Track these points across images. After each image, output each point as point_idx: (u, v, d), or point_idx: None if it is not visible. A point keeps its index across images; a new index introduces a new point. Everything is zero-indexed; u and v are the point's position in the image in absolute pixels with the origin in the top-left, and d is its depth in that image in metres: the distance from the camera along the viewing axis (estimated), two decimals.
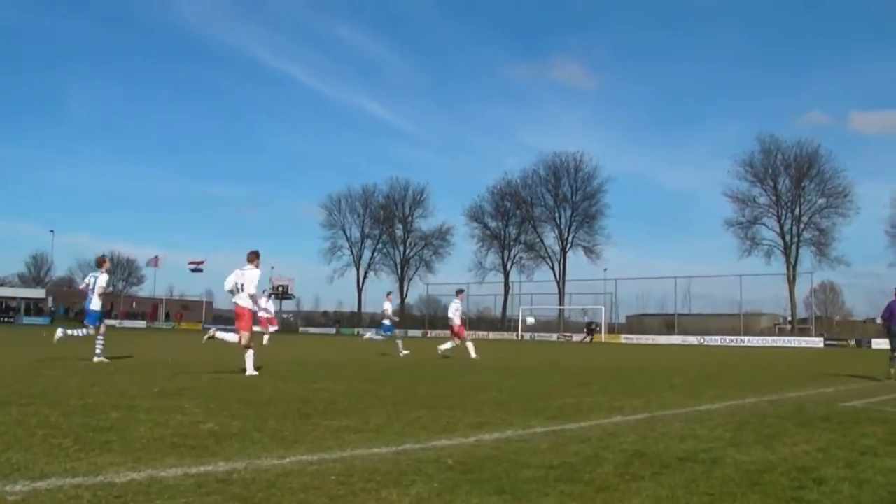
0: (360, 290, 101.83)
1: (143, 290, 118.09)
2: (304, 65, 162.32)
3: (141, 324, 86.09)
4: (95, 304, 16.89)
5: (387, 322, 27.77)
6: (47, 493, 4.49)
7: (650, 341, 65.06)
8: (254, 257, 14.62)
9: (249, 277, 14.41)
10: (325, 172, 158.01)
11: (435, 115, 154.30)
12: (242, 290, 14.33)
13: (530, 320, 73.23)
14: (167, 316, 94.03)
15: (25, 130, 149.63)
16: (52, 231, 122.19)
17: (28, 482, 4.73)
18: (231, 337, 14.61)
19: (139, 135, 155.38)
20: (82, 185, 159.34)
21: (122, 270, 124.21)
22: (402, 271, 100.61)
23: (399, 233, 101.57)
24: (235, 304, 14.47)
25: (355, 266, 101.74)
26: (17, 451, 5.73)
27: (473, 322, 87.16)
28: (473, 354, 23.11)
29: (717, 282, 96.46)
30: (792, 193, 77.34)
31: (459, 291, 26.10)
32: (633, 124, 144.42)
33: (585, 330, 71.33)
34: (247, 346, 14.21)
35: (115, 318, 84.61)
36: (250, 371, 13.90)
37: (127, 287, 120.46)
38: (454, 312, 24.87)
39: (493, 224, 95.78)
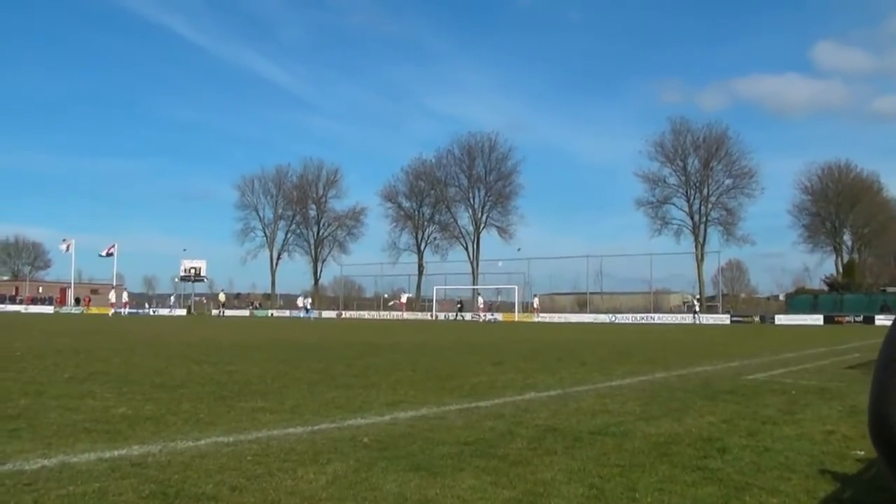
0: (273, 272, 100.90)
1: (50, 275, 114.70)
2: (185, 16, 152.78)
3: (49, 309, 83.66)
4: None
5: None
6: None
7: (563, 320, 66.01)
8: None
9: None
10: (227, 146, 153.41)
11: (333, 77, 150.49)
12: None
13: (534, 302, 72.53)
14: (77, 301, 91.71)
15: None
16: None
17: None
18: None
19: (5, 101, 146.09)
20: None
21: (28, 254, 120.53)
22: (315, 252, 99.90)
23: (313, 213, 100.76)
24: None
25: (268, 248, 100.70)
26: None
27: (387, 302, 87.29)
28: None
29: (628, 260, 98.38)
30: (700, 174, 79.00)
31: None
32: (547, 88, 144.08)
33: (457, 307, 72.28)
34: None
35: (21, 302, 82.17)
36: None
37: (33, 271, 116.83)
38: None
39: (407, 204, 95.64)
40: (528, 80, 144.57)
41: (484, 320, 65.51)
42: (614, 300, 78.18)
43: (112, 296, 69.24)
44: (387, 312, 77.95)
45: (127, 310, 66.62)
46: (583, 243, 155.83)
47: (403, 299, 76.92)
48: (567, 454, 5.59)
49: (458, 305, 72.98)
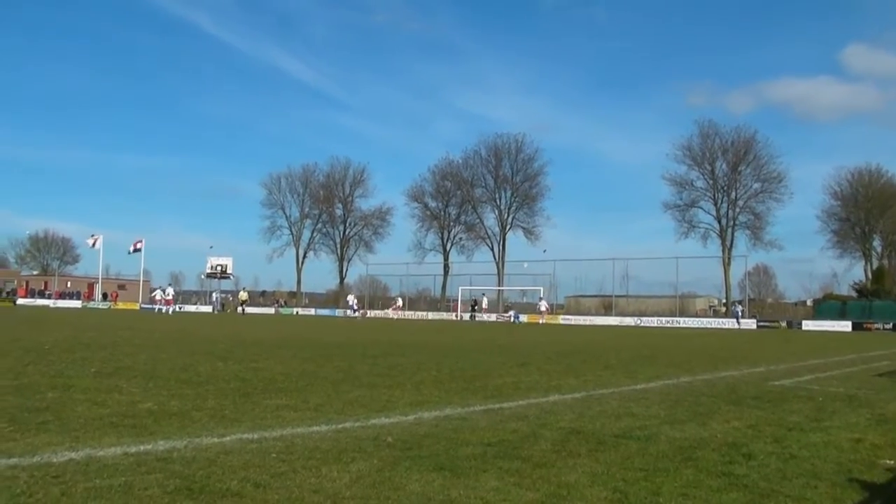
0: (298, 270, 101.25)
1: (78, 270, 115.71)
2: (211, 14, 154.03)
3: (77, 303, 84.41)
4: None
5: None
6: None
7: (588, 322, 65.76)
8: None
9: None
10: (255, 144, 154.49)
11: (361, 76, 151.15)
12: None
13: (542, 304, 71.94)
14: (104, 296, 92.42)
15: None
16: None
17: None
18: None
19: (39, 98, 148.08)
20: None
21: (57, 249, 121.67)
22: (341, 251, 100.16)
23: (339, 212, 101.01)
24: None
25: (295, 246, 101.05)
26: None
27: (413, 302, 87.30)
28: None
29: (654, 263, 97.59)
30: (728, 178, 78.47)
31: None
32: (576, 89, 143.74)
33: (471, 307, 71.97)
34: None
35: (49, 297, 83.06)
36: None
37: (62, 266, 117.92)
38: None
39: (433, 204, 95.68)
40: (555, 81, 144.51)
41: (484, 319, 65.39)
42: (640, 303, 77.88)
43: (166, 292, 69.04)
44: (412, 312, 77.96)
45: (172, 307, 66.60)
46: (609, 246, 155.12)
47: (399, 303, 76.75)
48: (591, 457, 5.56)
49: (473, 305, 72.84)
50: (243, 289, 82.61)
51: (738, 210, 78.29)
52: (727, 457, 5.71)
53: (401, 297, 79.89)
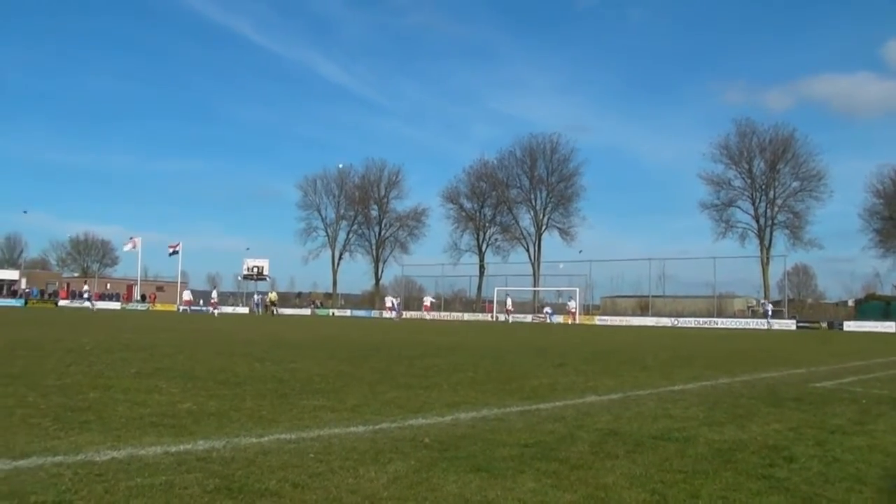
0: (334, 272, 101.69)
1: (117, 272, 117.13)
2: (249, 19, 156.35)
3: (116, 305, 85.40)
4: None
5: None
6: (28, 472, 4.53)
7: (624, 322, 65.41)
8: None
9: None
10: (291, 147, 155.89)
11: (396, 79, 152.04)
12: None
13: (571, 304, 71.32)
14: (143, 297, 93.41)
15: None
16: (25, 212, 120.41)
17: (9, 461, 4.77)
18: None
19: (80, 104, 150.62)
20: (32, 161, 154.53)
21: (97, 252, 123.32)
22: (377, 252, 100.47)
23: (375, 214, 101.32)
24: None
25: (330, 247, 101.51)
26: None
27: (448, 302, 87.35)
28: None
29: (692, 264, 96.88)
30: (767, 176, 77.58)
31: None
32: (611, 89, 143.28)
33: (506, 309, 71.72)
34: None
35: (89, 299, 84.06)
36: None
37: (101, 268, 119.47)
38: None
39: (468, 205, 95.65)
40: (590, 81, 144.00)
41: (509, 321, 65.16)
42: (677, 304, 77.26)
43: (214, 294, 70.41)
44: (447, 313, 78.00)
45: (217, 309, 67.61)
46: (645, 246, 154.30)
47: (428, 303, 76.69)
48: (628, 458, 5.53)
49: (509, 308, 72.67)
50: (272, 290, 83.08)
51: (776, 209, 77.38)
52: (767, 459, 5.65)
53: (431, 297, 79.79)
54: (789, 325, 59.83)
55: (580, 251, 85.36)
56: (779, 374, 13.71)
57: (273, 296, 76.96)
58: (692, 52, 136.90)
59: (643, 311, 75.56)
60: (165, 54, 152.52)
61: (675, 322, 63.36)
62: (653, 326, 58.57)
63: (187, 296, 71.02)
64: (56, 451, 5.10)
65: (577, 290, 70.71)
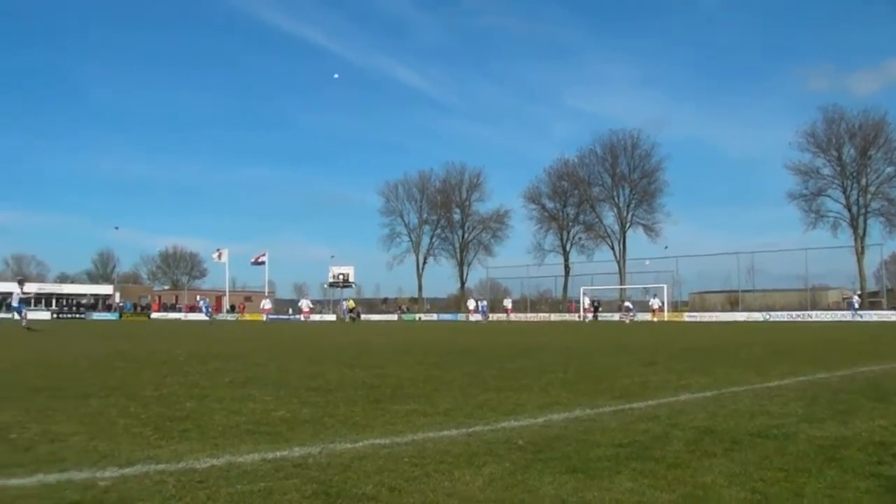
0: (419, 276, 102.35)
1: (206, 283, 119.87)
2: (323, 28, 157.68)
3: (206, 316, 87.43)
4: None
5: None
6: (134, 479, 4.65)
7: (714, 318, 64.28)
8: None
9: None
10: (371, 153, 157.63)
11: (472, 80, 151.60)
12: None
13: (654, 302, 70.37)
14: (232, 308, 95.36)
15: (46, 121, 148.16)
16: (116, 228, 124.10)
17: (116, 469, 4.91)
18: None
19: (161, 120, 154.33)
20: (120, 177, 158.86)
21: (185, 264, 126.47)
22: (461, 256, 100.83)
23: (457, 217, 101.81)
24: None
25: (414, 252, 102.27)
26: (103, 440, 5.93)
27: (534, 303, 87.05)
28: None
29: (781, 256, 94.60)
30: (857, 163, 75.48)
31: None
32: (689, 80, 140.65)
33: (591, 307, 70.74)
34: None
35: (180, 310, 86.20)
36: None
37: (190, 280, 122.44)
38: None
39: (550, 205, 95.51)
40: (668, 73, 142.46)
41: (587, 320, 64.54)
42: (767, 298, 75.77)
43: (304, 304, 72.33)
44: (534, 314, 77.73)
45: (308, 317, 69.15)
46: (732, 239, 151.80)
47: (471, 305, 76.44)
48: (726, 457, 5.42)
49: (595, 306, 71.99)
50: (350, 298, 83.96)
51: (869, 197, 75.23)
52: (875, 457, 5.46)
53: (512, 299, 79.63)
54: (888, 316, 57.95)
55: (666, 247, 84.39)
56: (880, 367, 13.28)
57: (350, 303, 77.85)
58: (771, 39, 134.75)
59: (733, 306, 74.26)
60: (242, 68, 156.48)
61: (767, 316, 62.03)
62: (743, 322, 57.42)
63: (267, 304, 72.41)
64: (159, 460, 5.22)
65: (665, 286, 69.80)
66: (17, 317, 36.53)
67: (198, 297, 69.66)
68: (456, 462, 5.22)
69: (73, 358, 15.71)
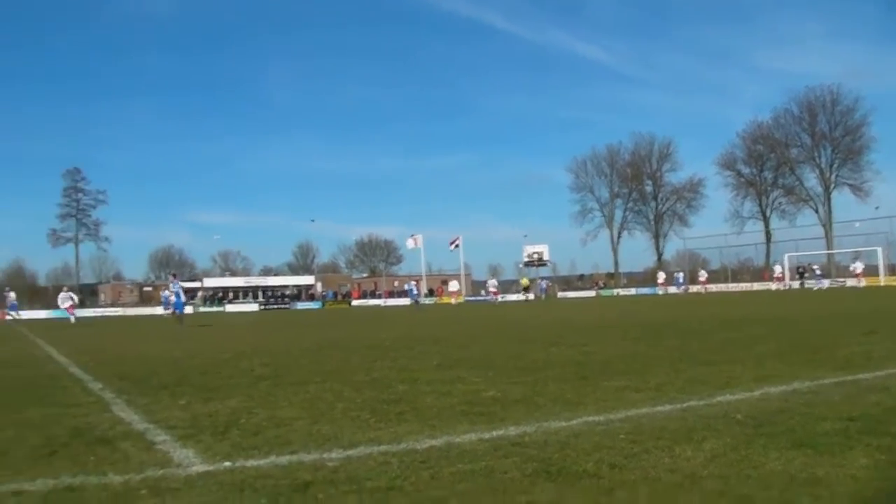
0: (614, 251, 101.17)
1: (402, 269, 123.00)
2: (498, 8, 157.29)
3: (405, 301, 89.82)
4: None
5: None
6: (359, 460, 4.83)
7: None
8: None
9: None
10: (556, 130, 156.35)
11: (653, 50, 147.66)
12: None
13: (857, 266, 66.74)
14: (430, 292, 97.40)
15: (241, 126, 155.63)
16: (312, 220, 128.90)
17: (341, 450, 5.12)
18: None
19: (344, 114, 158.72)
20: (311, 173, 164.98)
21: (382, 252, 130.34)
22: (656, 228, 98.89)
23: (649, 189, 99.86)
24: None
25: (608, 227, 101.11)
26: (325, 424, 6.19)
27: (735, 273, 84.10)
28: None
29: None
30: None
31: None
32: (890, 23, 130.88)
33: (798, 276, 66.72)
34: None
35: (380, 297, 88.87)
36: None
37: (387, 267, 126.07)
38: None
39: (746, 171, 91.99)
40: (864, 18, 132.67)
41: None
42: None
43: (491, 284, 73.94)
44: (735, 284, 75.16)
45: (498, 297, 70.32)
46: None
47: (660, 278, 73.77)
48: None
49: (801, 272, 68.44)
50: (525, 276, 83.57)
51: None
52: None
53: (706, 270, 77.03)
54: None
55: (877, 207, 79.17)
56: None
57: (525, 281, 77.60)
58: None
59: None
60: (421, 56, 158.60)
61: None
62: None
63: (454, 287, 73.32)
64: (380, 441, 5.39)
65: (879, 249, 65.70)
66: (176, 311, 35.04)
67: (407, 284, 71.58)
68: (674, 438, 5.11)
69: (286, 346, 16.50)
